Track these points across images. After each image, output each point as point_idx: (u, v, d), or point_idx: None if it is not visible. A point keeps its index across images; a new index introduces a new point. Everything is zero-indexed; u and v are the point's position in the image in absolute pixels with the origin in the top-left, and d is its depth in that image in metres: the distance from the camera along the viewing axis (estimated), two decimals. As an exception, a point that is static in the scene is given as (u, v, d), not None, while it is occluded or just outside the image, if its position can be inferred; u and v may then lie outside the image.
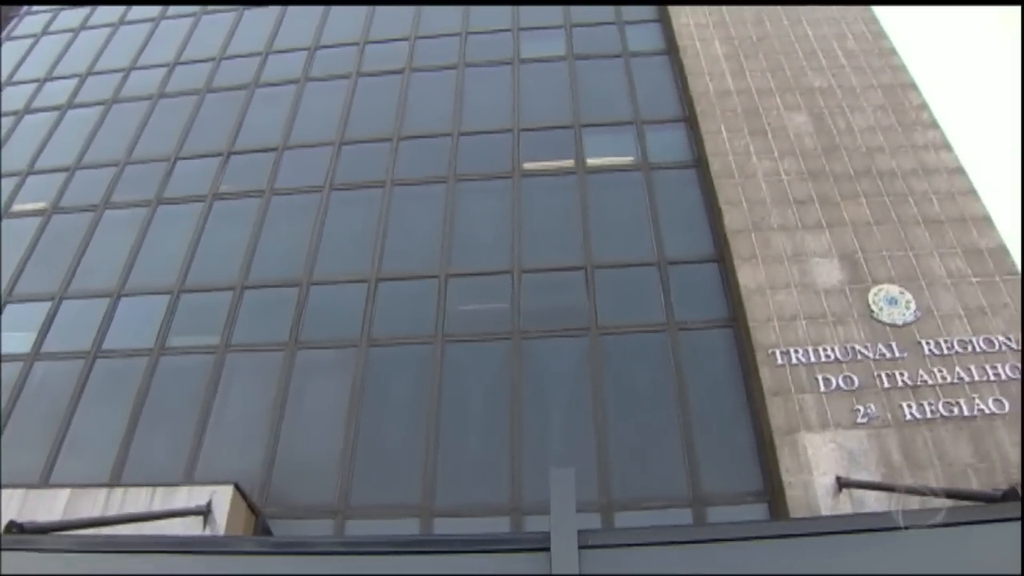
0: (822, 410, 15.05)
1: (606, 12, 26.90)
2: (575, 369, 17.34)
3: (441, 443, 16.32)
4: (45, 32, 31.16)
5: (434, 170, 21.83)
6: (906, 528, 8.16)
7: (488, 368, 17.61)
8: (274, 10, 29.27)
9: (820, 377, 15.52)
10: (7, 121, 26.68)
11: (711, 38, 23.72)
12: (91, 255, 21.28)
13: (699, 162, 20.86)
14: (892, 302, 16.62)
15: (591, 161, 21.55)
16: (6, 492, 14.37)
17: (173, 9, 30.69)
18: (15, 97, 27.76)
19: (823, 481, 14.07)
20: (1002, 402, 14.84)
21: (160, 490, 14.72)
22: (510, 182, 21.18)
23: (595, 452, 15.80)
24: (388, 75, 25.47)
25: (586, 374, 17.09)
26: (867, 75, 22.12)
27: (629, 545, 8.80)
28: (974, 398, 14.96)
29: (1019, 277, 16.89)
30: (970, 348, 15.73)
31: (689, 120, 22.16)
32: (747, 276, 17.38)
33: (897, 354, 15.76)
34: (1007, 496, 10.41)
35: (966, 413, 14.77)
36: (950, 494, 12.53)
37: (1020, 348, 15.62)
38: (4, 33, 31.41)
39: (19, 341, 19.27)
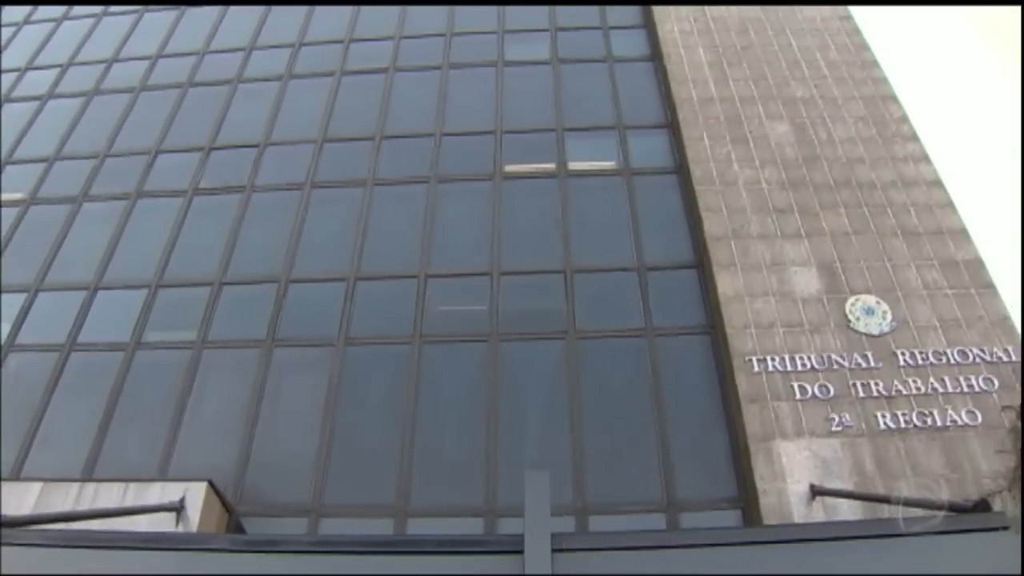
0: (797, 418, 15.13)
1: (591, 17, 26.94)
2: (552, 372, 17.35)
3: (417, 444, 16.29)
4: (27, 21, 30.92)
5: (416, 170, 21.80)
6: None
7: (465, 370, 17.59)
8: (259, 6, 29.14)
9: (796, 385, 15.60)
10: (-14, 110, 26.47)
11: (695, 45, 23.81)
12: (69, 247, 21.11)
13: (680, 168, 20.92)
14: (869, 312, 16.73)
15: (573, 165, 21.58)
16: (-23, 485, 14.26)
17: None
18: (-5, 86, 27.55)
19: (797, 489, 14.14)
20: (975, 414, 14.96)
21: (133, 486, 14.61)
22: (491, 184, 21.18)
23: (570, 455, 15.81)
24: (372, 74, 25.41)
25: (563, 378, 17.10)
26: (849, 86, 22.26)
27: (603, 549, 8.81)
28: (947, 409, 15.08)
29: (994, 290, 17.05)
30: (944, 359, 15.86)
31: (671, 126, 22.22)
32: (725, 283, 17.45)
33: (872, 364, 15.87)
34: (978, 507, 10.48)
35: (939, 424, 14.88)
36: (922, 504, 12.61)
37: (1020, 359, 15.79)
38: (-15, 22, 31.16)
39: (-7, 332, 19.13)
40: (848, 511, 13.76)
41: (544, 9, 27.30)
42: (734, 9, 25.17)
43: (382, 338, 18.17)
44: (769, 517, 13.88)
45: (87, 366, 18.27)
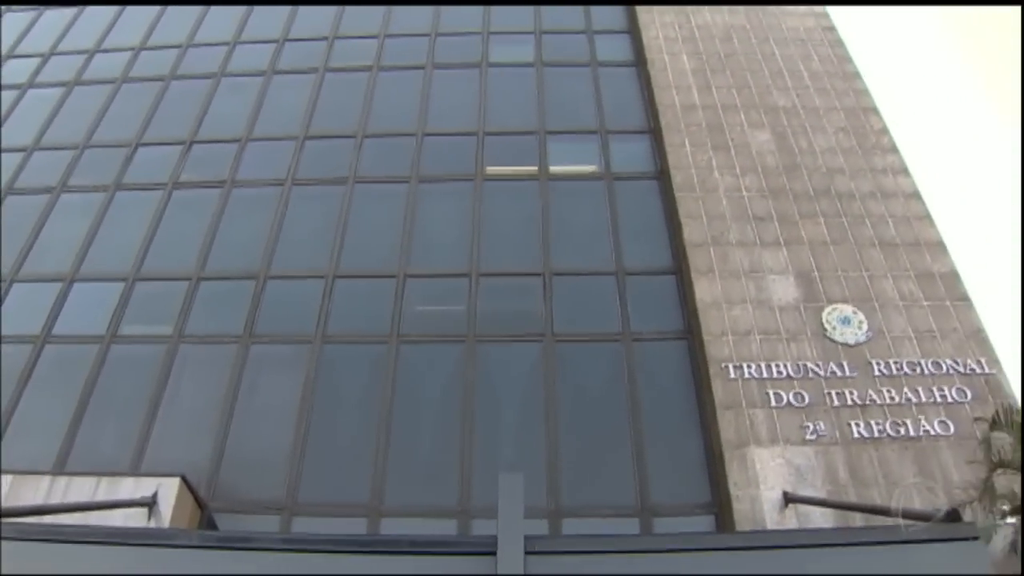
0: (772, 425, 15.19)
1: (576, 21, 26.97)
2: (529, 375, 17.35)
3: (392, 443, 16.26)
4: (7, 9, 30.64)
5: (397, 169, 21.75)
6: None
7: (442, 370, 17.57)
8: (243, 6, 28.95)
9: (771, 393, 15.67)
10: (-36, 99, 26.22)
11: (679, 52, 23.88)
12: (45, 238, 20.95)
13: (661, 174, 20.97)
14: (845, 322, 16.82)
15: (554, 168, 21.59)
16: (-55, 476, 14.14)
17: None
18: (-26, 75, 27.30)
19: (770, 496, 14.19)
20: (947, 424, 15.08)
21: (105, 480, 14.54)
22: (472, 185, 21.16)
23: (545, 458, 15.82)
24: (356, 72, 25.35)
25: (539, 380, 17.10)
26: (831, 97, 22.38)
27: (575, 552, 8.85)
28: (920, 419, 15.19)
29: (969, 302, 17.20)
30: (919, 370, 15.97)
31: (653, 132, 22.27)
32: (704, 290, 17.51)
33: (848, 373, 15.96)
34: (949, 517, 10.56)
35: (912, 434, 14.99)
36: (894, 513, 12.69)
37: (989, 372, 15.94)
38: (-35, 10, 30.88)
39: (-34, 322, 18.94)
40: (821, 519, 13.83)
41: (529, 12, 27.29)
42: (719, 17, 25.27)
43: (359, 337, 18.12)
44: (742, 523, 13.94)
45: (61, 358, 18.14)
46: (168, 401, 17.26)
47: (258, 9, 28.56)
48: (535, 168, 21.62)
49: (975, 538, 8.36)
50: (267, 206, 20.97)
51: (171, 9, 29.21)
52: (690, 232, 18.69)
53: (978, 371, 15.95)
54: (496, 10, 27.51)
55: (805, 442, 14.96)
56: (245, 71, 25.89)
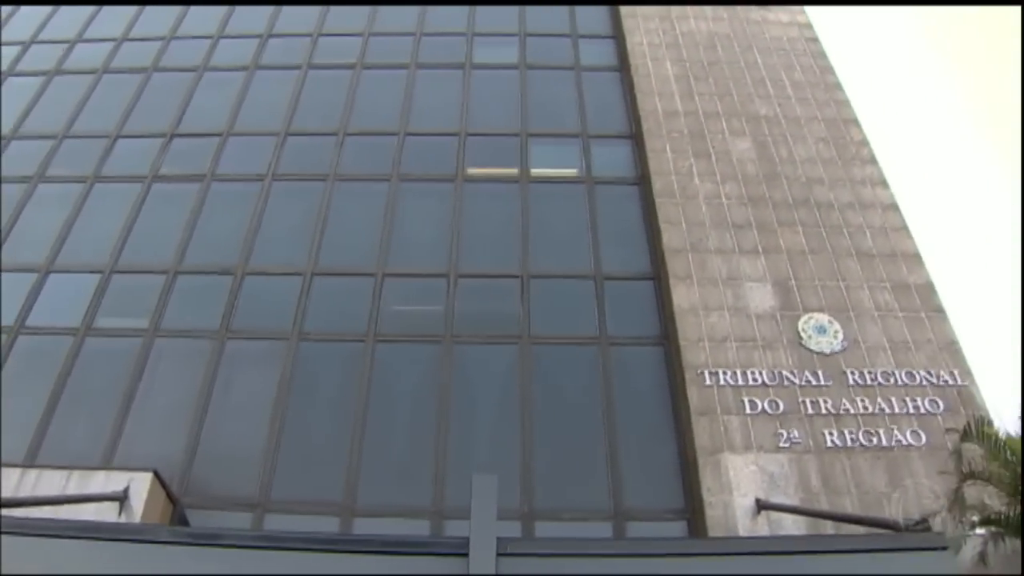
0: (746, 432, 15.25)
1: (561, 24, 27.01)
2: (505, 377, 17.35)
3: (366, 442, 16.21)
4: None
5: (378, 168, 21.72)
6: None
7: (418, 370, 17.54)
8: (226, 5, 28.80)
9: (746, 400, 15.74)
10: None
11: (663, 58, 23.95)
12: (21, 228, 20.77)
13: (642, 180, 21.02)
14: (821, 331, 16.91)
15: (535, 171, 21.61)
16: (-88, 468, 13.97)
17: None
18: (-47, 62, 27.05)
19: (743, 502, 14.25)
20: (919, 434, 15.19)
21: (76, 473, 14.40)
22: (453, 186, 21.15)
23: (519, 460, 15.82)
24: (339, 69, 25.29)
25: (515, 382, 17.11)
26: (812, 107, 22.51)
27: (548, 555, 8.84)
28: (893, 429, 15.29)
29: (943, 314, 17.33)
30: (892, 380, 16.08)
31: (635, 137, 22.33)
32: (681, 296, 17.56)
33: (822, 382, 16.04)
34: (919, 526, 10.65)
35: (884, 443, 15.09)
36: (865, 521, 12.78)
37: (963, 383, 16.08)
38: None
39: (-61, 312, 18.75)
40: (792, 526, 13.89)
41: (514, 14, 27.32)
42: (703, 24, 25.37)
43: (336, 335, 18.07)
44: (715, 529, 13.98)
45: (35, 350, 17.98)
46: (142, 395, 17.15)
47: (242, 3, 28.39)
48: (516, 170, 21.64)
49: (944, 548, 8.41)
50: (247, 201, 20.88)
51: (154, 2, 29.02)
52: (669, 238, 18.74)
53: (951, 383, 16.08)
54: (481, 11, 27.52)
55: (779, 449, 15.03)
56: (228, 65, 25.79)
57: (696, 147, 20.98)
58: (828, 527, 13.66)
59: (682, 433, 16.03)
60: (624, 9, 26.21)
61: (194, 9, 28.41)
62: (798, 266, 18.21)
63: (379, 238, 19.79)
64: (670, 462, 15.92)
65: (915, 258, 18.51)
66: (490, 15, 27.39)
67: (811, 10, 26.55)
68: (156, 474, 14.45)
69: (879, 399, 15.79)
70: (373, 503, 15.41)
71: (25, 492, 13.99)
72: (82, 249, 20.07)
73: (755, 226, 19.03)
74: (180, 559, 8.99)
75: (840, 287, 17.83)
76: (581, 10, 27.63)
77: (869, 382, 16.06)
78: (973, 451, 13.05)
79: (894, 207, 19.71)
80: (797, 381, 16.07)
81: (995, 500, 12.56)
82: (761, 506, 14.10)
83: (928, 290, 17.84)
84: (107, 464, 15.60)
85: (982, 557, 12.10)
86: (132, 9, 28.65)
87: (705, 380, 16.07)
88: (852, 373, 16.21)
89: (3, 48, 27.25)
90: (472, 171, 21.73)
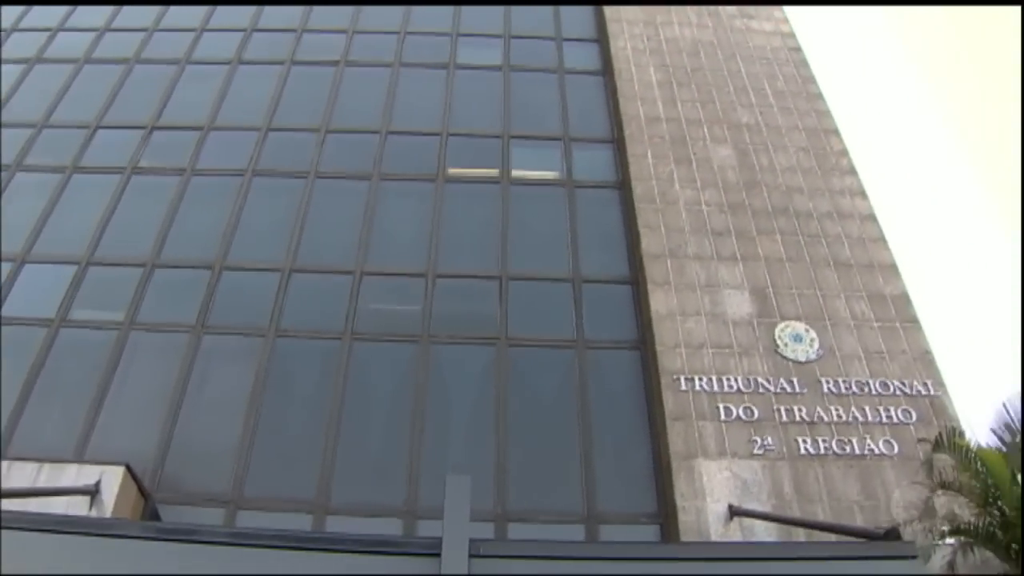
0: (720, 438, 15.30)
1: (546, 27, 27.03)
2: (481, 377, 17.34)
3: (341, 441, 16.15)
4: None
5: (359, 166, 21.66)
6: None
7: (394, 369, 17.51)
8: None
9: (721, 406, 15.79)
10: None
11: (647, 64, 24.02)
12: (-4, 217, 20.59)
13: (622, 184, 21.06)
14: (797, 339, 16.99)
15: (516, 173, 21.61)
16: None
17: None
18: (-69, 49, 26.76)
19: (716, 508, 14.30)
20: (891, 444, 15.29)
21: (47, 466, 14.29)
22: (433, 186, 21.12)
23: (494, 462, 15.81)
24: (322, 66, 25.22)
25: (491, 383, 17.09)
26: (793, 116, 22.63)
27: (520, 557, 8.84)
28: (866, 438, 15.39)
29: (918, 324, 17.46)
30: (866, 390, 16.18)
31: (617, 142, 22.37)
32: (659, 301, 17.60)
33: (797, 390, 16.12)
34: (889, 535, 10.70)
35: (857, 452, 15.18)
36: (836, 529, 12.84)
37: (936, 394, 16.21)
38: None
39: (-89, 299, 18.54)
40: (765, 533, 13.95)
41: (499, 16, 27.32)
42: (687, 31, 25.45)
43: (313, 332, 18.01)
44: (687, 534, 14.01)
45: (8, 340, 17.76)
46: (116, 388, 17.02)
47: (227, -2, 28.31)
48: (497, 171, 21.64)
49: (914, 557, 8.46)
50: (226, 196, 20.78)
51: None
52: (648, 243, 18.79)
53: (924, 393, 16.20)
54: (466, 12, 27.51)
55: (752, 456, 15.09)
56: (211, 59, 25.68)
57: (677, 153, 21.05)
58: (800, 534, 13.72)
59: (657, 438, 16.07)
60: (609, 13, 26.25)
61: (178, 2, 28.22)
62: (776, 274, 18.29)
63: (358, 236, 19.75)
64: (644, 466, 15.94)
65: (891, 269, 18.64)
66: (475, 16, 27.38)
67: (794, 17, 26.71)
68: (128, 468, 14.35)
69: (853, 408, 15.88)
70: (346, 502, 15.36)
71: (-6, 483, 13.88)
72: (59, 240, 19.91)
73: (734, 233, 19.11)
74: (151, 555, 8.94)
75: (817, 296, 17.92)
76: (566, 13, 27.67)
77: (843, 391, 16.16)
78: (944, 461, 13.14)
79: (872, 218, 19.85)
80: (772, 388, 16.14)
81: (965, 510, 12.65)
82: (734, 512, 14.15)
83: (903, 301, 17.97)
84: (79, 457, 15.46)
85: (951, 566, 12.19)
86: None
87: (681, 385, 16.11)
88: (827, 382, 16.30)
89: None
90: (453, 171, 21.71)
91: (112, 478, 14.05)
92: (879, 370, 16.61)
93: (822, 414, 15.75)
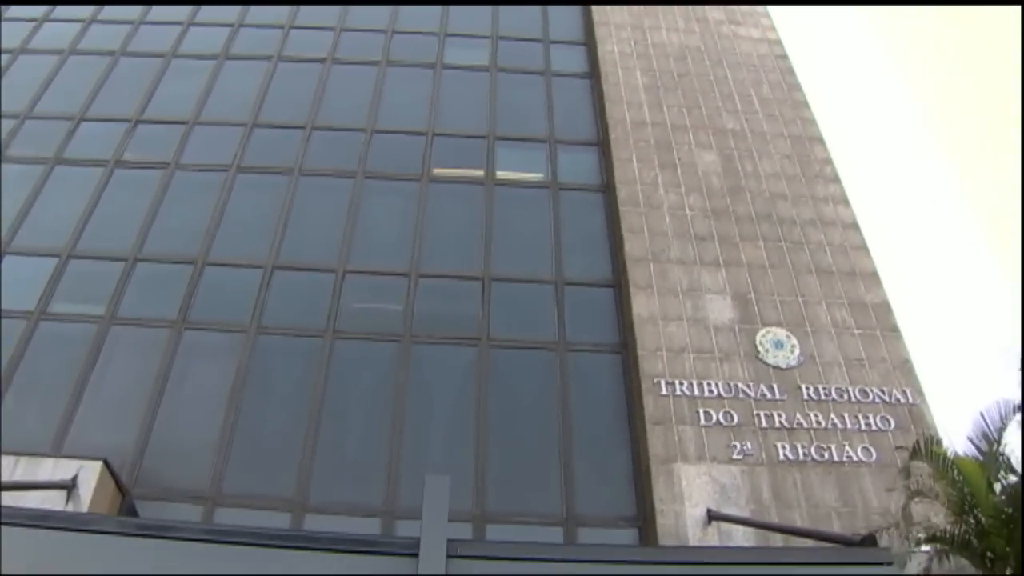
0: (700, 443, 15.33)
1: (534, 29, 27.05)
2: (462, 378, 17.33)
3: (320, 439, 16.10)
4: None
5: (344, 164, 21.62)
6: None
7: (375, 368, 17.47)
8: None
9: (701, 411, 15.81)
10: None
11: (633, 68, 24.06)
12: (-24, 208, 20.43)
13: (607, 188, 21.08)
14: (778, 345, 17.04)
15: (501, 174, 21.61)
16: None
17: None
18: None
19: (694, 512, 14.31)
20: (870, 451, 15.35)
21: (24, 459, 14.17)
22: (418, 185, 21.09)
23: (473, 462, 15.79)
24: (309, 63, 25.18)
25: (472, 384, 17.08)
26: (778, 123, 22.71)
27: (497, 558, 8.85)
28: (844, 445, 15.44)
29: (898, 333, 17.54)
30: (846, 397, 16.24)
31: (602, 145, 22.39)
32: (641, 305, 17.62)
33: (777, 396, 16.16)
34: (865, 541, 10.76)
35: (835, 459, 15.23)
36: (813, 535, 12.90)
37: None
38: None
39: None
40: (742, 537, 13.98)
41: (487, 17, 27.32)
42: (675, 36, 25.52)
43: (295, 330, 17.95)
44: (665, 538, 14.02)
45: (-15, 332, 17.68)
46: (95, 382, 16.92)
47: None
48: (482, 172, 21.63)
49: (889, 563, 8.52)
50: (210, 191, 20.70)
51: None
52: (631, 247, 18.81)
53: (903, 401, 16.27)
54: (454, 12, 27.50)
55: (731, 461, 15.12)
56: (197, 53, 25.59)
57: (662, 158, 21.09)
58: (777, 539, 13.76)
59: (636, 441, 16.07)
60: (597, 17, 26.29)
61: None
62: (758, 280, 18.35)
63: (342, 234, 19.71)
64: (623, 470, 15.95)
65: (873, 277, 18.72)
66: (463, 16, 27.38)
67: (780, 23, 26.82)
68: (106, 463, 14.25)
69: (832, 415, 15.94)
70: (325, 500, 15.31)
71: (-31, 476, 13.77)
72: (40, 231, 19.78)
73: (717, 239, 19.15)
74: (127, 550, 8.91)
75: (799, 302, 17.99)
76: (554, 16, 27.70)
77: (823, 398, 16.21)
78: (921, 469, 13.18)
79: (855, 226, 19.94)
80: (752, 394, 16.18)
81: (941, 518, 12.71)
82: (712, 516, 14.17)
83: (884, 309, 18.05)
84: (57, 451, 15.33)
85: (926, 572, 12.24)
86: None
87: (661, 389, 16.13)
88: (807, 388, 16.35)
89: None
90: (438, 171, 21.70)
91: (89, 473, 13.96)
92: (859, 377, 16.67)
93: (801, 420, 15.80)
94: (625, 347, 17.68)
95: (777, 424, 15.71)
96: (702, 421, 15.67)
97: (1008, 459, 12.86)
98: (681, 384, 16.22)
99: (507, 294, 18.70)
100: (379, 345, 17.73)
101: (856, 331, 17.54)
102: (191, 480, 15.51)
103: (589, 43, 26.22)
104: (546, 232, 20.09)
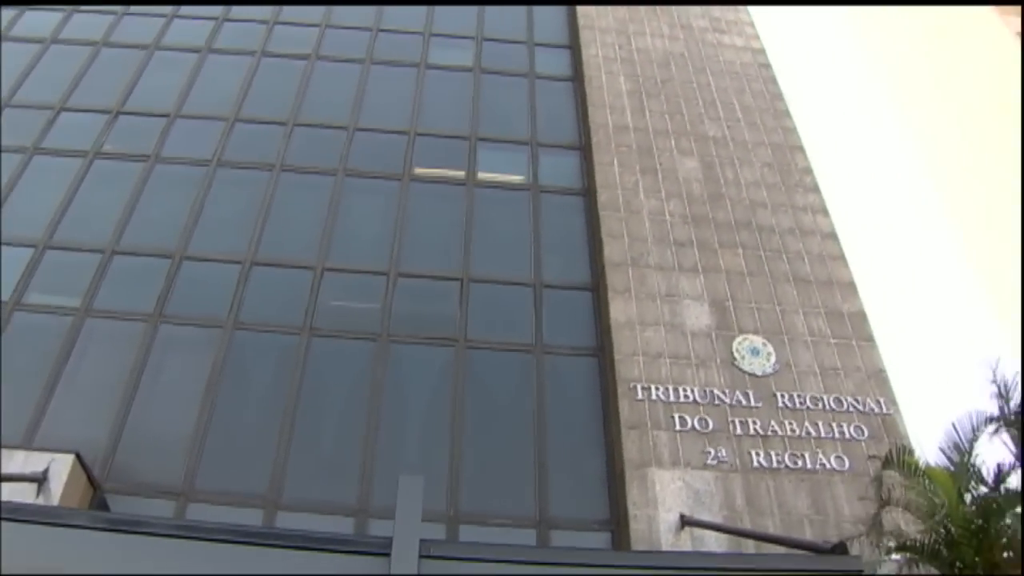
0: (674, 448, 15.37)
1: (519, 31, 27.06)
2: (438, 379, 17.31)
3: (295, 437, 16.05)
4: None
5: (325, 161, 21.56)
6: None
7: (352, 367, 17.43)
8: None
9: (677, 416, 15.86)
10: None
11: (617, 72, 24.11)
12: (-48, 197, 20.24)
13: (588, 191, 21.12)
14: (754, 352, 17.12)
15: (482, 175, 21.62)
16: None
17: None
18: None
19: (667, 517, 14.35)
20: (843, 459, 15.45)
21: (-6, 451, 14.07)
22: (399, 184, 21.07)
23: (448, 463, 15.78)
24: (293, 59, 25.09)
25: (448, 385, 17.07)
26: (760, 132, 22.81)
27: (470, 559, 8.85)
28: (818, 453, 15.53)
29: (873, 343, 17.65)
30: (820, 405, 16.33)
31: (584, 149, 22.43)
32: (619, 309, 17.66)
33: (752, 403, 16.24)
34: (837, 549, 10.81)
35: (809, 466, 15.32)
36: (786, 542, 12.95)
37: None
38: None
39: None
40: (715, 543, 14.02)
41: (472, 18, 27.30)
42: (659, 42, 25.59)
43: (272, 326, 17.89)
44: (638, 543, 14.05)
45: (-41, 322, 17.53)
46: (69, 375, 16.80)
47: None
48: (463, 173, 21.62)
49: (860, 571, 8.57)
50: (190, 185, 20.61)
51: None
52: (610, 251, 18.84)
53: (876, 410, 16.38)
54: (439, 12, 27.47)
55: (706, 467, 15.17)
56: (180, 46, 25.45)
57: (644, 163, 21.14)
58: (750, 546, 13.81)
59: (611, 445, 16.10)
60: (582, 19, 26.34)
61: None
62: (736, 287, 18.42)
63: (321, 232, 19.66)
64: (598, 473, 15.98)
65: (850, 287, 18.84)
66: (448, 16, 27.35)
67: (762, 30, 26.94)
68: (78, 457, 14.18)
69: (806, 423, 16.03)
70: (298, 498, 15.25)
71: (-61, 468, 13.65)
72: (16, 222, 19.56)
73: (696, 245, 19.22)
74: (98, 545, 8.85)
75: (776, 310, 18.07)
76: (539, 18, 27.72)
77: (798, 406, 16.30)
78: (893, 478, 13.28)
79: (833, 236, 20.05)
80: (728, 401, 16.25)
81: (912, 527, 12.81)
82: (685, 522, 14.21)
83: (860, 319, 18.16)
84: (28, 444, 15.23)
85: (896, 581, 12.33)
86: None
87: (637, 394, 16.17)
88: (782, 396, 16.43)
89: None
90: (419, 171, 21.68)
91: (61, 466, 13.88)
92: (833, 386, 16.77)
93: (776, 428, 15.88)
94: (602, 351, 17.72)
95: (752, 431, 15.78)
96: (677, 426, 15.72)
97: (979, 470, 12.98)
98: (657, 389, 16.26)
99: (485, 295, 18.70)
100: (356, 344, 17.69)
101: (832, 340, 17.64)
102: (164, 475, 15.43)
103: (574, 46, 26.26)
104: (526, 234, 20.10)
